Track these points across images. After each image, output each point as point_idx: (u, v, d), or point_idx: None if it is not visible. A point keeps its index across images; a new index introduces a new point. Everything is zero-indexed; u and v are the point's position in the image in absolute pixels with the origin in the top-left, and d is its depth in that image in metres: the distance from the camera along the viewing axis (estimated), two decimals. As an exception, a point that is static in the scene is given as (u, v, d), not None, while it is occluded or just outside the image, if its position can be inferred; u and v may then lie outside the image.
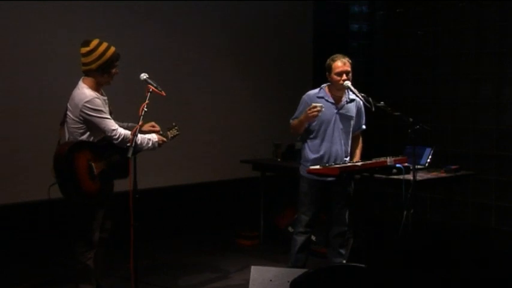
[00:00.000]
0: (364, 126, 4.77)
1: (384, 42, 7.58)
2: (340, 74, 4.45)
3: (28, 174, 5.12)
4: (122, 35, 5.53)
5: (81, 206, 3.99)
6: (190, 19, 6.33)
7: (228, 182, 6.64)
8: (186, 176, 6.30)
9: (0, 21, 5.09)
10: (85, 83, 3.95)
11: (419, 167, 5.15)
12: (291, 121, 4.66)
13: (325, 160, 4.52)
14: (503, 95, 6.41)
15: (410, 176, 4.63)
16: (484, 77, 6.55)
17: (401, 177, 4.74)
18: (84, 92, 3.91)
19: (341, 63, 4.46)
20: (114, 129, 3.92)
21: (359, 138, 4.80)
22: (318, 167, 4.38)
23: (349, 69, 4.48)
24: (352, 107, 4.62)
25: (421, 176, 5.02)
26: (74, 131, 3.93)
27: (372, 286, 2.98)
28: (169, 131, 4.27)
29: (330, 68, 4.50)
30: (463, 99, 6.72)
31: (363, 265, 3.05)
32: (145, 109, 3.82)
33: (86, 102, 3.87)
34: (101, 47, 3.94)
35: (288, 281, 3.47)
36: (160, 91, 3.96)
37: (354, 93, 4.47)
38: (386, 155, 4.65)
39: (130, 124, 4.16)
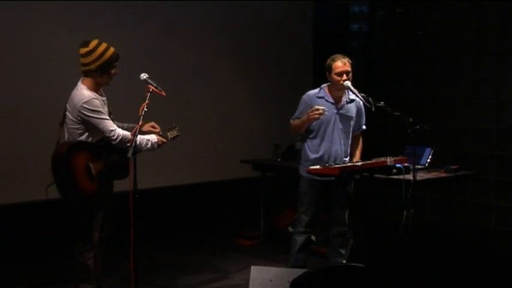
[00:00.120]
0: (364, 127, 4.77)
1: (384, 42, 7.58)
2: (340, 74, 4.45)
3: (28, 174, 5.12)
4: (122, 35, 5.53)
5: (80, 206, 3.99)
6: (190, 19, 6.33)
7: (228, 182, 6.64)
8: (186, 176, 6.30)
9: (0, 21, 5.09)
10: (84, 84, 3.95)
11: (419, 167, 5.15)
12: (291, 121, 4.66)
13: (324, 160, 4.52)
14: (503, 95, 6.41)
15: (410, 176, 4.63)
16: (484, 77, 6.55)
17: (401, 177, 4.74)
18: (83, 92, 3.90)
19: (341, 63, 4.46)
20: (112, 130, 3.92)
21: (359, 139, 4.80)
22: (318, 167, 4.38)
23: (349, 69, 4.49)
24: (352, 107, 4.62)
25: (421, 176, 5.02)
26: (73, 131, 3.94)
27: (372, 286, 2.98)
28: (169, 131, 4.26)
29: (330, 68, 4.50)
30: (463, 99, 6.72)
31: (362, 265, 3.05)
32: (145, 109, 3.82)
33: (84, 103, 3.87)
34: (100, 48, 3.94)
35: (288, 281, 3.47)
36: (160, 91, 3.96)
37: (354, 93, 4.47)
38: (386, 155, 4.65)
39: (130, 125, 4.16)
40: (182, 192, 6.35)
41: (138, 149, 3.91)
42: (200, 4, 6.36)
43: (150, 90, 3.93)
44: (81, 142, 3.92)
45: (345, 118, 4.58)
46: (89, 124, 3.91)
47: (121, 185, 4.00)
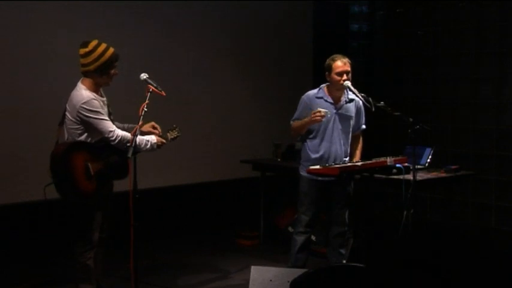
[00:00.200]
0: (364, 126, 4.77)
1: (384, 42, 7.58)
2: (340, 73, 4.45)
3: (28, 174, 5.11)
4: (122, 35, 5.53)
5: (80, 206, 3.99)
6: (190, 19, 6.33)
7: (228, 182, 6.64)
8: (186, 176, 6.30)
9: (0, 21, 5.09)
10: (83, 84, 3.95)
11: (419, 167, 5.15)
12: (291, 122, 4.66)
13: (324, 160, 4.52)
14: (503, 95, 6.41)
15: (410, 176, 4.63)
16: (484, 77, 6.55)
17: (401, 177, 4.74)
18: (82, 93, 3.90)
19: (341, 63, 4.46)
20: (111, 131, 3.91)
21: (359, 138, 4.80)
22: (318, 167, 4.38)
23: (349, 69, 4.49)
24: (351, 107, 4.62)
25: (421, 176, 5.02)
26: (72, 131, 3.94)
27: (372, 286, 2.98)
28: (169, 132, 4.26)
29: (330, 68, 4.50)
30: (463, 99, 6.72)
31: (362, 265, 3.04)
32: (145, 109, 3.82)
33: (83, 103, 3.87)
34: (100, 48, 3.94)
35: (288, 281, 3.47)
36: (160, 91, 3.96)
37: (354, 93, 4.47)
38: (386, 155, 4.65)
39: (130, 125, 4.15)
40: (182, 192, 6.35)
41: (137, 149, 3.91)
42: (200, 4, 6.36)
43: (150, 90, 3.93)
44: (80, 142, 3.92)
45: (344, 118, 4.58)
46: (88, 124, 3.90)
47: (121, 185, 4.00)
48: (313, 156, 4.56)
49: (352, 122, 4.64)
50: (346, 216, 4.68)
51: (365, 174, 4.74)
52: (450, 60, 6.83)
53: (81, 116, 3.88)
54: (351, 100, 4.61)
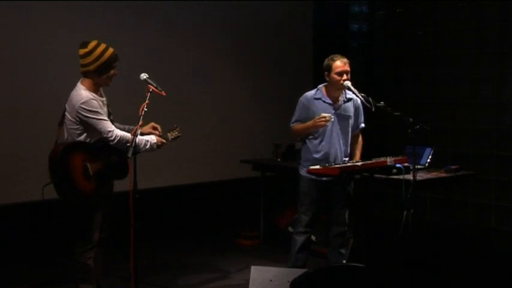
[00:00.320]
0: (363, 125, 4.77)
1: (384, 42, 7.58)
2: (340, 73, 4.45)
3: (28, 174, 5.11)
4: (122, 35, 5.54)
5: (80, 206, 3.99)
6: (190, 19, 6.33)
7: (228, 182, 6.64)
8: (186, 176, 6.30)
9: (0, 21, 5.09)
10: (83, 84, 3.95)
11: (419, 167, 5.15)
12: (292, 125, 4.65)
13: (324, 160, 4.52)
14: (503, 95, 6.41)
15: (410, 176, 4.63)
16: (484, 77, 6.55)
17: (401, 177, 4.74)
18: (81, 93, 3.90)
19: (341, 63, 4.46)
20: (110, 131, 3.91)
21: (358, 137, 4.79)
22: (317, 167, 4.38)
23: (349, 69, 4.49)
24: (349, 106, 4.62)
25: (421, 176, 5.01)
26: (71, 131, 3.94)
27: (372, 286, 2.98)
28: (169, 132, 4.25)
29: (329, 68, 4.49)
30: (463, 99, 6.72)
31: (362, 265, 3.04)
32: (145, 109, 3.82)
33: (82, 103, 3.87)
34: (99, 48, 3.94)
35: (288, 281, 3.47)
36: (160, 91, 3.96)
37: (353, 93, 4.47)
38: (386, 155, 4.65)
39: (130, 127, 4.15)
40: (182, 192, 6.35)
41: (137, 149, 3.91)
42: (200, 4, 6.36)
43: (150, 90, 3.92)
44: (78, 142, 3.92)
45: (343, 118, 4.58)
46: (87, 124, 3.90)
47: (121, 185, 4.00)
48: (313, 156, 4.56)
49: (351, 122, 4.64)
50: (346, 216, 4.68)
51: (365, 174, 4.74)
52: (450, 60, 6.83)
53: (80, 116, 3.88)
54: (349, 99, 4.61)
